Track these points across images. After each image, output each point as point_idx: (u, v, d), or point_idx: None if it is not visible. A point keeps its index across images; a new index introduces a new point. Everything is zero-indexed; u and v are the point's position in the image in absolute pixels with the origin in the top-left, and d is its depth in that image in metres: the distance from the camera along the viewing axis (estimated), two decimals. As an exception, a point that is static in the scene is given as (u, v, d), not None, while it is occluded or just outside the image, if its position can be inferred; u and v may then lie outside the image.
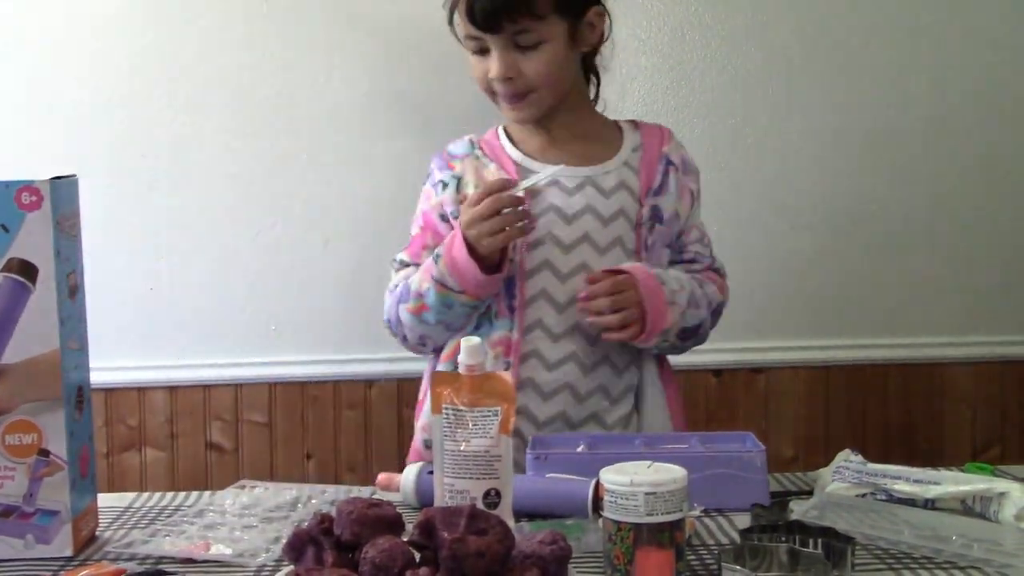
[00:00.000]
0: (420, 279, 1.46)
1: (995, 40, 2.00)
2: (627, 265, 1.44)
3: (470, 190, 1.48)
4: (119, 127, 1.93)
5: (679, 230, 1.54)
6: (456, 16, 1.48)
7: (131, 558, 1.10)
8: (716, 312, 1.54)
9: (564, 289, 1.47)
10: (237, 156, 1.95)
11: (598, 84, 1.58)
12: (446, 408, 1.11)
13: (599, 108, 1.58)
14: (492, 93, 1.49)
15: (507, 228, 1.39)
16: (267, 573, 1.06)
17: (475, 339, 1.12)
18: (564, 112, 1.52)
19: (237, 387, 1.98)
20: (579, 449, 1.35)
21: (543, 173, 1.44)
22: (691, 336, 1.51)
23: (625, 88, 1.96)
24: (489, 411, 1.10)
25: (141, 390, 1.97)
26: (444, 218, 1.52)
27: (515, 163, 1.51)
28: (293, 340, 1.98)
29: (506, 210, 1.39)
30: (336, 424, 2.00)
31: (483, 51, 1.46)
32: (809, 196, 2.00)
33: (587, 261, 1.47)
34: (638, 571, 0.97)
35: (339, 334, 1.98)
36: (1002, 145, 2.02)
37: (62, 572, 1.07)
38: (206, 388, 1.98)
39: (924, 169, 2.01)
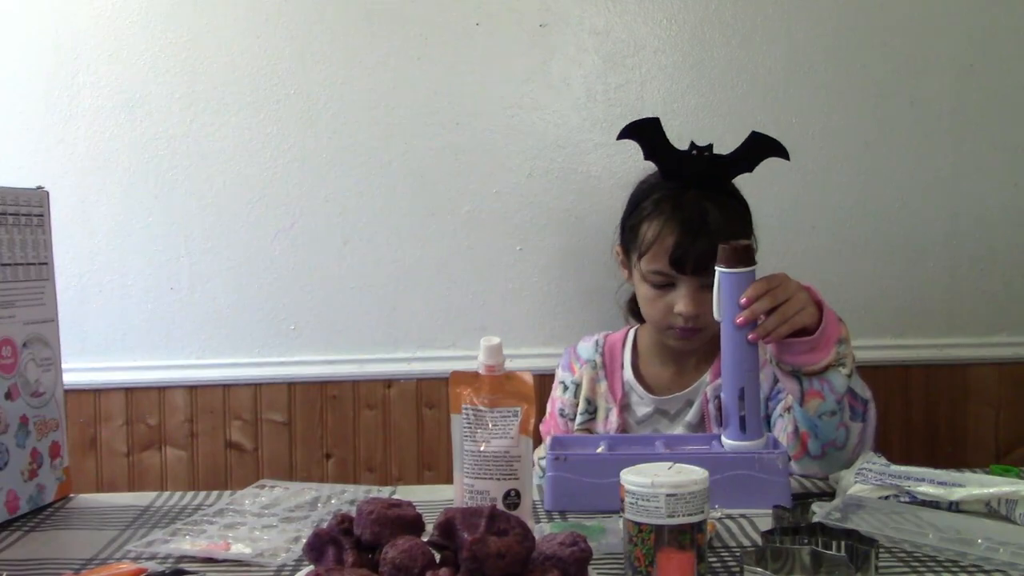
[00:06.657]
0: None
1: (1021, 38, 1.98)
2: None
3: (583, 398, 1.64)
4: (138, 127, 1.94)
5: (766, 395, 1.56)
6: (642, 251, 1.55)
7: (151, 557, 1.11)
8: (866, 416, 1.43)
9: None
10: (256, 156, 1.95)
11: None
12: (466, 408, 1.10)
13: None
14: (667, 325, 1.55)
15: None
16: (287, 573, 1.06)
17: (495, 338, 1.12)
18: (707, 343, 1.57)
19: (256, 387, 1.99)
20: (599, 450, 1.34)
21: None
22: (858, 409, 1.41)
23: (644, 87, 1.96)
24: (509, 411, 1.10)
25: (161, 389, 1.98)
26: (563, 414, 1.67)
27: (623, 384, 1.64)
28: (312, 340, 1.98)
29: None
30: (355, 424, 2.00)
31: (668, 286, 1.54)
32: (831, 195, 1.98)
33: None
34: (659, 573, 0.96)
35: (358, 334, 1.98)
36: (1026, 144, 2.00)
37: (83, 571, 1.07)
38: (226, 387, 1.99)
39: (948, 168, 1.99)
